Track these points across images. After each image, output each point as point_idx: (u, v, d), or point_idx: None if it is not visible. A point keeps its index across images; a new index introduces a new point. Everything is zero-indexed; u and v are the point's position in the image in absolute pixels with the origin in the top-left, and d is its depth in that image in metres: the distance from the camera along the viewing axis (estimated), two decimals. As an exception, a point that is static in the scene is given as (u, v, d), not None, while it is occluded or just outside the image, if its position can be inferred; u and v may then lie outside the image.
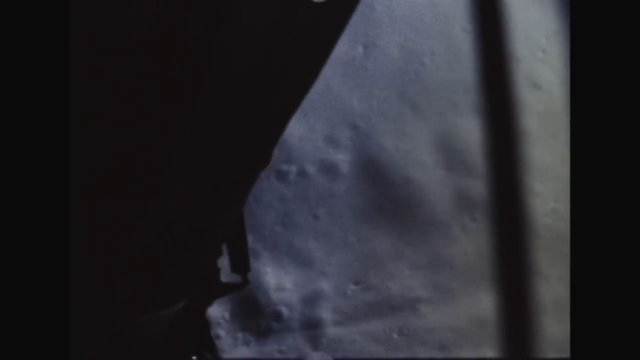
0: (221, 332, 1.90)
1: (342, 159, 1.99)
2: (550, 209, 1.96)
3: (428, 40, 2.04)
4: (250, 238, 1.91)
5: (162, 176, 1.14)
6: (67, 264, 0.93)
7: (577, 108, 0.95)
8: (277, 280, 1.93)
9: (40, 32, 0.92)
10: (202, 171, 1.18)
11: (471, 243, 1.94)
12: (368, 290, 1.93)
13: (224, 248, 1.49)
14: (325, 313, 1.91)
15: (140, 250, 1.18)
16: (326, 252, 1.95)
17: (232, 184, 1.23)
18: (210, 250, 1.36)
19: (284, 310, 1.91)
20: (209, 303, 1.52)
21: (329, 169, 1.99)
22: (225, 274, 1.49)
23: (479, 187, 1.97)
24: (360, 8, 2.10)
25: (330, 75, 2.01)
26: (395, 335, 1.90)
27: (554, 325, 1.84)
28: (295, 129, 2.00)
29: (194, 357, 1.50)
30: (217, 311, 1.89)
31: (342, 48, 2.02)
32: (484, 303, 1.91)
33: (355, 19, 2.07)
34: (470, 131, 1.99)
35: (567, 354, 1.75)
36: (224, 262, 1.46)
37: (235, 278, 1.53)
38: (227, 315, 1.91)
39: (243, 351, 1.89)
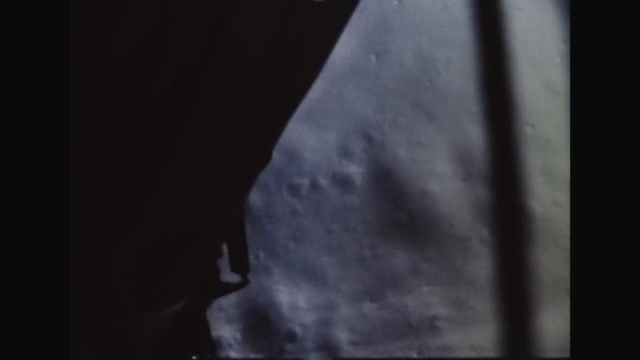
0: (232, 354, 1.88)
1: (355, 171, 1.98)
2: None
3: (443, 47, 2.04)
4: (261, 255, 1.91)
5: (162, 176, 1.16)
6: (67, 264, 0.94)
7: (578, 109, 0.97)
8: (290, 298, 1.91)
9: (41, 34, 0.94)
10: (201, 171, 1.19)
11: (491, 257, 1.91)
12: (385, 308, 1.90)
13: (224, 248, 1.49)
14: (341, 332, 1.88)
15: (141, 250, 1.20)
16: (341, 268, 1.92)
17: (231, 184, 1.24)
18: (210, 250, 1.36)
19: (298, 330, 1.89)
20: (209, 303, 1.54)
21: (343, 182, 1.98)
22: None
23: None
24: (372, 15, 2.14)
25: (342, 84, 2.01)
26: (414, 355, 1.86)
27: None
28: (307, 140, 1.99)
29: (194, 357, 1.50)
30: (227, 332, 1.87)
31: (354, 56, 2.02)
32: (506, 320, 1.87)
33: (367, 26, 2.11)
34: (488, 140, 1.98)
35: (567, 354, 1.70)
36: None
37: (235, 278, 1.53)
38: (238, 335, 1.89)
39: (255, 373, 1.88)
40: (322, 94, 2.02)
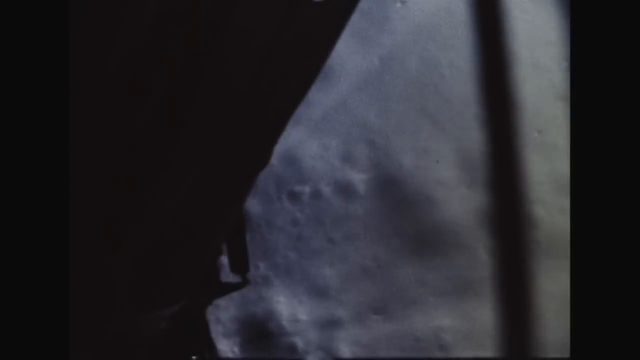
0: (231, 367, 1.88)
1: (358, 178, 1.96)
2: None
3: (447, 51, 2.02)
4: (261, 265, 1.89)
5: (162, 177, 1.18)
6: (67, 264, 0.96)
7: (578, 110, 0.99)
8: (290, 310, 1.89)
9: (41, 34, 0.96)
10: (201, 171, 1.21)
11: (497, 266, 1.89)
12: (389, 320, 1.87)
13: (224, 248, 1.51)
14: (343, 345, 1.86)
15: (140, 251, 1.21)
16: (343, 279, 1.90)
17: (231, 184, 1.26)
18: (209, 250, 1.38)
19: (299, 343, 1.87)
20: (209, 303, 1.55)
21: (345, 189, 1.96)
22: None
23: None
24: (375, 18, 2.13)
25: (344, 89, 2.00)
26: (417, 367, 1.85)
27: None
28: (309, 146, 1.98)
29: (194, 357, 1.51)
30: (226, 345, 1.85)
31: (357, 60, 2.01)
32: (514, 332, 1.85)
33: (370, 30, 2.10)
34: (495, 147, 1.97)
35: (567, 354, 1.72)
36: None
37: (235, 278, 1.55)
38: (236, 349, 1.86)
39: (254, 387, 1.88)
40: (324, 98, 2.01)
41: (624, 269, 0.94)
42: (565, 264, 1.85)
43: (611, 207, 0.96)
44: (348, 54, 2.02)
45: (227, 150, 1.22)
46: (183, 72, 1.11)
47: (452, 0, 2.06)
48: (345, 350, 1.87)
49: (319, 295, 1.90)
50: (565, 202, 1.92)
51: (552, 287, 1.84)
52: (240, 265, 1.55)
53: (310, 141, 1.97)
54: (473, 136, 1.96)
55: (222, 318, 1.79)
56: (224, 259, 1.50)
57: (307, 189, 1.96)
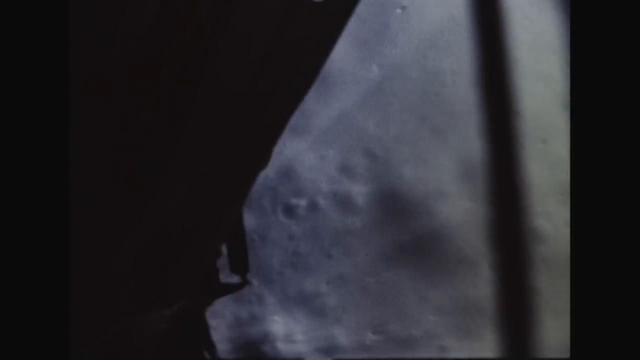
0: (222, 393, 1.85)
1: (357, 190, 1.93)
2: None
3: (449, 58, 2.00)
4: (255, 282, 1.85)
5: (162, 177, 1.21)
6: (68, 264, 0.97)
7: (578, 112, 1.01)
8: (285, 330, 1.85)
9: (41, 34, 0.97)
10: (201, 172, 1.25)
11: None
12: (389, 340, 1.85)
13: (224, 248, 1.54)
14: None
15: (141, 251, 1.24)
16: (341, 297, 1.87)
17: (231, 184, 1.30)
18: (209, 250, 1.41)
19: None
20: (209, 303, 1.57)
21: (343, 202, 1.93)
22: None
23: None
24: (373, 23, 2.08)
25: (342, 97, 1.97)
26: (417, 382, 1.83)
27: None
28: (304, 157, 1.95)
29: (194, 357, 1.53)
30: None
31: (355, 67, 1.99)
32: (519, 352, 1.83)
33: (368, 35, 2.07)
34: (499, 158, 1.96)
35: (567, 354, 1.73)
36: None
37: (235, 278, 1.57)
38: None
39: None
40: (321, 107, 1.98)
41: (623, 269, 0.96)
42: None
43: (610, 207, 0.98)
44: (346, 61, 2.00)
45: (227, 150, 1.25)
46: (183, 73, 1.13)
47: (454, 6, 2.04)
48: (343, 372, 1.83)
49: (316, 314, 1.86)
50: (571, 215, 1.94)
51: (560, 304, 1.81)
52: (240, 265, 1.57)
53: (307, 152, 1.94)
54: (475, 146, 1.93)
55: (215, 339, 1.74)
56: (224, 259, 1.52)
57: (303, 202, 1.93)
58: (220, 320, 1.73)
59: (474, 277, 1.85)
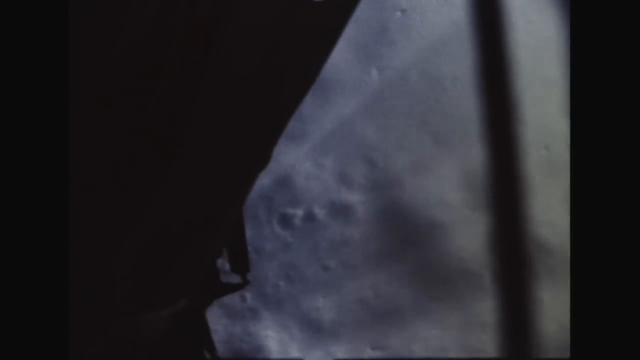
0: (215, 412, 1.84)
1: (355, 199, 1.92)
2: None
3: (450, 63, 1.98)
4: (248, 296, 1.84)
5: (162, 177, 1.21)
6: (68, 265, 0.99)
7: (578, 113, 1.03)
8: (280, 346, 1.82)
9: (41, 33, 0.98)
10: (201, 171, 1.24)
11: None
12: (389, 356, 1.81)
13: (224, 248, 1.55)
14: None
15: (141, 251, 1.25)
16: (338, 310, 1.84)
17: (231, 184, 1.29)
18: (209, 250, 1.40)
19: None
20: (209, 303, 1.58)
21: (341, 212, 1.92)
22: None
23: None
24: (373, 27, 2.06)
25: (341, 102, 1.96)
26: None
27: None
28: (301, 165, 1.94)
29: (194, 357, 1.53)
30: None
31: (354, 71, 1.98)
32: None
33: (368, 39, 2.07)
34: (501, 166, 1.96)
35: (567, 354, 1.73)
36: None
37: (235, 278, 1.58)
38: None
39: None
40: (319, 113, 1.97)
41: (623, 270, 0.97)
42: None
43: (610, 208, 0.99)
44: (345, 66, 1.99)
45: (227, 150, 1.25)
46: (184, 71, 1.14)
47: (454, 10, 2.03)
48: (341, 390, 1.82)
49: (312, 329, 1.84)
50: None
51: (565, 318, 1.79)
52: (240, 265, 1.58)
53: (303, 160, 1.93)
54: (477, 153, 1.92)
55: (208, 356, 1.71)
56: (224, 260, 1.53)
57: (299, 212, 1.92)
58: (212, 335, 1.70)
59: (476, 289, 1.82)
